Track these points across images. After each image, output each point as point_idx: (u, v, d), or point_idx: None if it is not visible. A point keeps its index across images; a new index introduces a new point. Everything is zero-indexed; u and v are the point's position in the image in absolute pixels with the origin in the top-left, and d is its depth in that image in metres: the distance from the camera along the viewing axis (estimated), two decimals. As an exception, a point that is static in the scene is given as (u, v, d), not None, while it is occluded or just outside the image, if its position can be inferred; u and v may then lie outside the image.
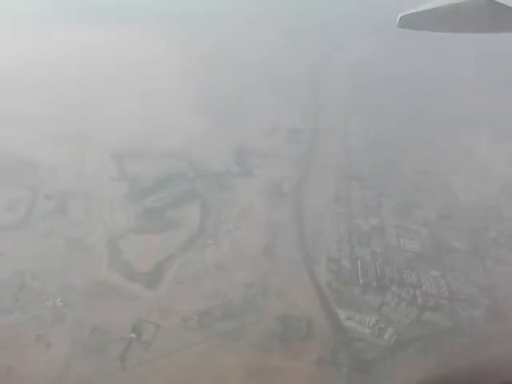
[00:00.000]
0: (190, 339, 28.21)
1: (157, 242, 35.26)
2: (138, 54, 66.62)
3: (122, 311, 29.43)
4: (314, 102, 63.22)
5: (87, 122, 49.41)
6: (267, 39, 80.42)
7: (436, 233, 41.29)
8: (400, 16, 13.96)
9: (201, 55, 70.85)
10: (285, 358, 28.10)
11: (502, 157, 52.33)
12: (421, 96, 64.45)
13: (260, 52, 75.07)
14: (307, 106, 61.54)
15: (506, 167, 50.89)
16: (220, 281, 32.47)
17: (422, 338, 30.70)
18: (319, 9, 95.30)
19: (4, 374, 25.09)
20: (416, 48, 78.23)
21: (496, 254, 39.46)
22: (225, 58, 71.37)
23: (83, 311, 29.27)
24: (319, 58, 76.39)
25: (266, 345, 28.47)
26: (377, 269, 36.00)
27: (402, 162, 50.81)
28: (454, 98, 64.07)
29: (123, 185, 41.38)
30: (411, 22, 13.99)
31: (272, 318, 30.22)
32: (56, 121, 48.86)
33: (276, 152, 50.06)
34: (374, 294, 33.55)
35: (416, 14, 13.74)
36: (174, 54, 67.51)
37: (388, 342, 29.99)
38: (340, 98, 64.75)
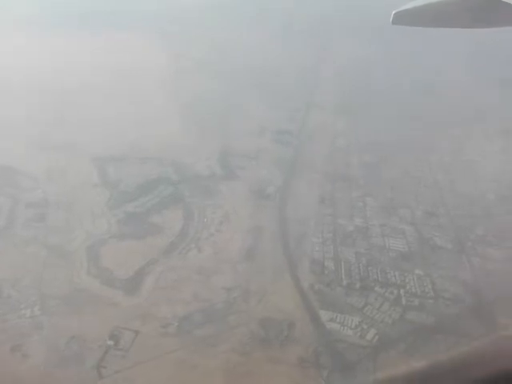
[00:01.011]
0: (168, 345, 27.83)
1: (138, 247, 34.92)
2: (124, 60, 66.27)
3: (100, 318, 29.06)
4: (302, 103, 62.99)
5: (70, 128, 49.04)
6: (255, 42, 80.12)
7: (421, 231, 41.02)
8: (394, 12, 13.91)
9: (188, 59, 70.65)
10: (266, 361, 27.78)
11: (491, 154, 52.20)
12: (411, 96, 64.25)
13: (248, 55, 74.78)
14: (296, 108, 61.29)
15: (495, 165, 50.68)
16: (201, 285, 32.14)
17: (406, 338, 30.43)
18: (307, 10, 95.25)
19: (-22, 385, 24.76)
20: (407, 48, 78.00)
21: (483, 251, 39.25)
22: (212, 61, 71.15)
23: (61, 319, 28.87)
24: (308, 59, 76.14)
25: (246, 349, 28.14)
26: (360, 269, 35.72)
27: (389, 162, 50.61)
28: (444, 98, 63.90)
29: (105, 191, 41.02)
30: (405, 19, 13.95)
31: (253, 322, 29.90)
32: (38, 128, 48.44)
33: (262, 154, 49.86)
34: (357, 295, 33.25)
35: (410, 10, 13.67)
36: (161, 60, 67.30)
37: (370, 343, 29.68)
38: (329, 99, 64.59)
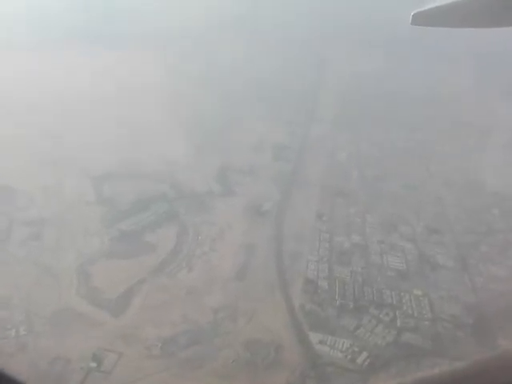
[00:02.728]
0: (151, 368, 27.35)
1: (129, 266, 34.67)
2: (124, 78, 67.13)
3: (85, 339, 28.78)
4: (303, 117, 62.62)
5: (69, 146, 49.59)
6: (256, 56, 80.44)
7: (422, 249, 39.85)
8: (413, 13, 13.87)
9: (189, 75, 71.11)
10: (250, 385, 27.02)
11: (496, 168, 50.68)
12: (413, 110, 63.44)
13: (249, 69, 75.06)
14: (296, 122, 60.92)
15: (500, 179, 49.16)
16: (189, 305, 31.64)
17: (399, 361, 29.32)
18: (308, 23, 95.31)
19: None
20: (408, 61, 77.74)
21: (486, 270, 37.84)
22: (213, 77, 71.51)
23: (46, 340, 28.72)
24: (309, 73, 76.04)
25: (230, 372, 27.45)
26: (355, 289, 34.71)
27: (390, 176, 49.66)
28: (446, 112, 62.91)
29: (100, 208, 41.12)
30: (424, 19, 13.89)
31: (239, 344, 29.19)
32: (36, 146, 49.14)
33: (260, 169, 49.46)
34: (350, 316, 32.24)
35: (429, 10, 13.64)
36: (161, 77, 67.78)
37: (360, 367, 28.65)
38: (330, 113, 64.09)
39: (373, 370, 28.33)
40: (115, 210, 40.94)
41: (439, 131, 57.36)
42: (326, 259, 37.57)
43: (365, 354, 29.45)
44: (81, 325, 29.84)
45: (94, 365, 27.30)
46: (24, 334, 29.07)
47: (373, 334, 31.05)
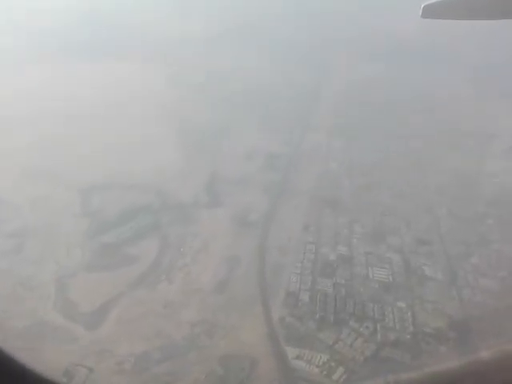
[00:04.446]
0: (121, 383, 26.97)
1: (108, 279, 34.45)
2: (115, 87, 67.53)
3: (57, 354, 28.53)
4: (298, 126, 62.21)
5: (57, 158, 49.76)
6: (254, 65, 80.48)
7: (410, 260, 39.03)
8: (423, 6, 13.87)
9: (183, 84, 71.33)
10: (221, 402, 26.52)
11: (490, 176, 49.74)
12: (410, 118, 62.75)
13: (246, 78, 75.07)
14: (291, 131, 60.54)
15: (494, 187, 48.21)
16: (165, 320, 31.25)
17: (376, 377, 28.58)
18: (307, 32, 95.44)
19: None
20: (406, 72, 77.29)
21: (476, 282, 36.88)
22: (208, 86, 71.58)
23: (18, 355, 28.40)
24: (306, 82, 75.76)
25: (201, 389, 26.95)
26: (337, 302, 34.02)
27: (382, 186, 48.91)
28: (444, 120, 62.16)
29: (85, 220, 41.04)
30: (434, 11, 13.96)
31: (214, 359, 28.70)
32: (24, 158, 49.38)
33: (250, 179, 49.06)
34: (329, 330, 31.56)
35: (440, 2, 13.70)
36: (155, 87, 68.11)
37: (336, 383, 27.97)
38: (326, 122, 63.63)
39: (349, 386, 27.61)
40: (99, 222, 40.82)
41: (435, 140, 56.50)
42: (310, 271, 36.96)
43: (341, 370, 28.79)
44: (54, 339, 29.61)
45: (64, 381, 26.98)
46: (-4, 349, 28.85)
47: (351, 348, 30.34)
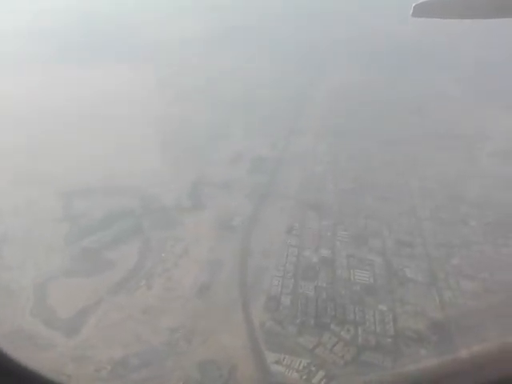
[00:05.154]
0: (98, 391, 26.72)
1: (87, 285, 34.14)
2: (103, 91, 67.23)
3: (34, 361, 27.88)
4: (285, 130, 62.18)
5: (41, 162, 49.38)
6: (244, 67, 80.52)
7: (391, 262, 39.11)
8: (414, 5, 13.88)
9: (173, 88, 71.09)
10: (199, 409, 26.35)
11: (474, 178, 50.03)
12: (395, 121, 62.96)
13: (236, 81, 75.05)
14: (277, 135, 60.48)
15: (478, 189, 48.47)
16: (144, 326, 31.04)
17: (356, 381, 28.53)
18: (301, 35, 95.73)
19: None
20: (397, 73, 77.70)
21: (457, 284, 37.01)
22: (198, 90, 71.48)
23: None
24: (297, 85, 75.86)
25: (179, 395, 26.76)
26: (318, 305, 33.99)
27: (366, 189, 48.95)
28: (431, 124, 62.42)
29: (66, 225, 40.73)
30: (425, 11, 13.97)
31: (192, 365, 28.54)
32: (8, 161, 48.91)
33: (235, 183, 48.95)
34: (309, 334, 31.51)
35: (430, 1, 13.72)
36: (142, 90, 67.84)
37: (315, 388, 27.94)
38: (314, 125, 63.68)
39: (328, 390, 27.56)
40: (80, 227, 40.52)
41: (421, 143, 56.67)
42: (292, 274, 36.90)
43: (321, 374, 28.75)
44: (32, 346, 29.31)
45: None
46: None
47: (332, 352, 30.32)
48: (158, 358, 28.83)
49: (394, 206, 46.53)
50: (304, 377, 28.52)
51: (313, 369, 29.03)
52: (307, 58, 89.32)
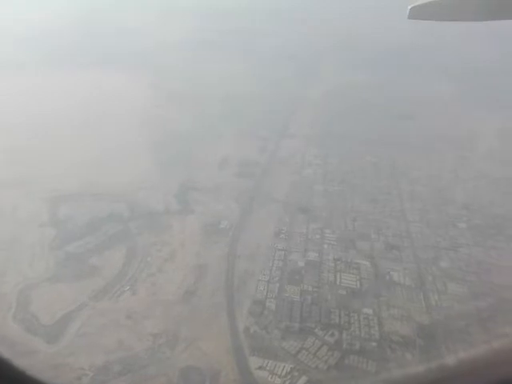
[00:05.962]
0: (78, 398, 26.45)
1: (71, 290, 33.88)
2: (94, 97, 67.08)
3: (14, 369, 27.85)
4: (274, 134, 62.10)
5: (27, 166, 49.14)
6: (234, 72, 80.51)
7: (378, 266, 38.91)
8: (410, 7, 13.86)
9: (164, 92, 71.04)
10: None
11: (463, 181, 49.97)
12: (384, 125, 63.01)
13: (226, 85, 75.04)
14: (268, 139, 60.42)
15: (468, 192, 48.43)
16: (127, 331, 30.76)
17: (339, 386, 28.39)
18: (292, 39, 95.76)
19: None
20: (388, 76, 77.86)
21: (444, 287, 36.81)
22: (189, 94, 71.40)
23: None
24: (289, 90, 75.94)
25: (160, 402, 26.51)
26: (303, 309, 33.77)
27: (356, 192, 48.86)
28: (422, 126, 62.48)
29: (52, 230, 40.46)
30: (422, 13, 13.97)
31: (174, 371, 28.28)
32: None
33: (223, 187, 48.79)
34: (294, 339, 31.25)
35: (427, 4, 13.73)
36: (133, 95, 67.74)
37: (298, 393, 27.71)
38: (303, 129, 63.64)
39: (310, 396, 27.34)
40: (66, 232, 40.26)
41: (412, 146, 56.69)
42: (278, 279, 36.68)
43: (304, 379, 28.53)
44: (13, 353, 28.91)
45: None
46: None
47: (315, 356, 30.09)
48: (140, 364, 28.59)
49: (383, 209, 46.40)
50: (287, 382, 28.29)
51: (296, 374, 28.82)
52: (298, 61, 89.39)
